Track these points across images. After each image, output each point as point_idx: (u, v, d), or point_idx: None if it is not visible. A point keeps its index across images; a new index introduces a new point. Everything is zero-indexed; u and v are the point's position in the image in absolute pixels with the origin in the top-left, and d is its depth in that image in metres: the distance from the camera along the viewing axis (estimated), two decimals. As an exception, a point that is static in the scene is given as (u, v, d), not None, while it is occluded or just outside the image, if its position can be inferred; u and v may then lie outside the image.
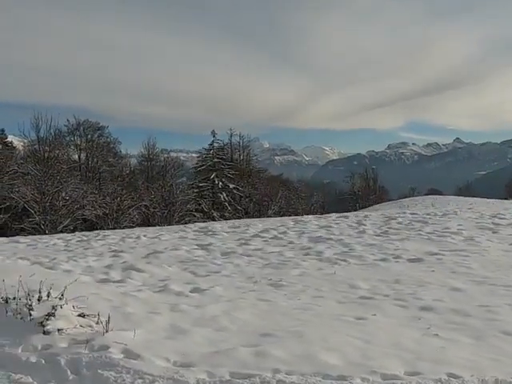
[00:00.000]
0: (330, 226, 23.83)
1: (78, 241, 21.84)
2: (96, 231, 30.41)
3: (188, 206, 56.90)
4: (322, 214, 60.50)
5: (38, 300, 7.47)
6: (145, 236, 22.83)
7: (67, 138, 57.44)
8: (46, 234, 43.29)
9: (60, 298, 7.43)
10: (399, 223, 24.12)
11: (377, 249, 16.80)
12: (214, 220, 57.50)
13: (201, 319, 8.13)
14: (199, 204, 59.05)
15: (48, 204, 45.07)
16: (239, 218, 59.11)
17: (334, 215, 33.15)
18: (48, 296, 7.57)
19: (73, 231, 47.39)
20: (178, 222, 54.60)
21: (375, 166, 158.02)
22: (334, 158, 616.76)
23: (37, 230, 45.00)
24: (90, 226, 51.19)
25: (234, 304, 9.28)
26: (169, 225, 52.52)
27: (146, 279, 12.19)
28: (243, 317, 8.35)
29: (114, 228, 48.42)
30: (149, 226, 51.47)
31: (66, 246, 20.17)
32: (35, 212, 45.01)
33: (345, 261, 14.58)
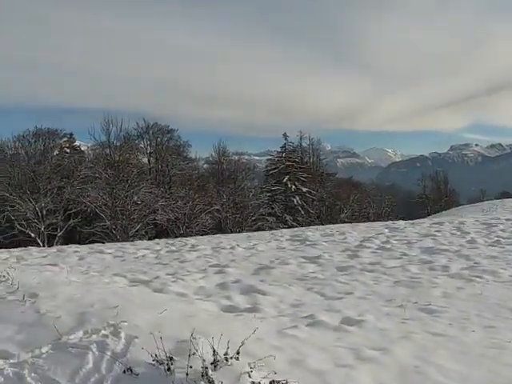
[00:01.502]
0: (434, 235, 21.92)
1: (168, 251, 20.05)
2: (178, 239, 28.68)
3: (261, 210, 55.18)
4: (393, 218, 58.74)
5: (214, 365, 5.13)
6: (238, 245, 20.96)
7: (136, 142, 56.04)
8: (117, 238, 42.29)
9: (236, 358, 5.21)
10: (503, 230, 22.40)
11: (503, 262, 14.86)
12: (286, 224, 55.90)
13: (404, 371, 6.01)
14: (272, 208, 57.17)
15: (119, 208, 43.80)
16: (311, 222, 57.36)
17: (426, 221, 31.36)
18: (226, 358, 5.24)
19: (144, 236, 46.47)
20: (250, 227, 53.13)
21: (438, 167, 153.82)
22: (397, 160, 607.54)
23: (107, 235, 44.13)
24: (160, 231, 50.01)
25: (409, 342, 7.35)
26: (241, 230, 51.14)
27: (278, 305, 10.10)
28: (445, 364, 6.37)
29: (186, 233, 47.21)
30: (221, 230, 50.26)
31: (156, 257, 18.37)
32: (106, 216, 43.82)
33: (480, 277, 12.62)
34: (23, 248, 26.19)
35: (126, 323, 6.50)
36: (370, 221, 56.46)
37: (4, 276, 9.64)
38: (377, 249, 18.52)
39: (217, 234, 47.65)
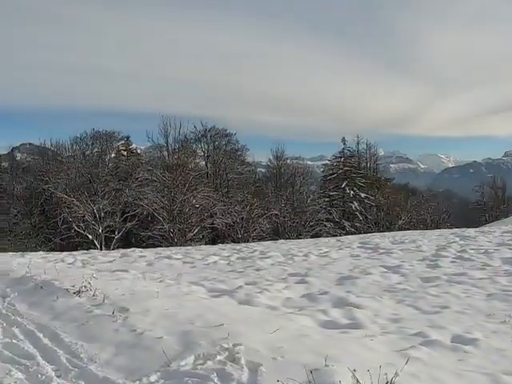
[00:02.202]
0: (509, 244, 20.83)
1: (239, 258, 19.27)
2: (243, 244, 27.96)
3: (319, 215, 54.22)
4: (451, 225, 57.27)
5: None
6: (310, 253, 20.06)
7: (194, 145, 55.52)
8: (175, 242, 41.82)
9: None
10: None
11: None
12: (344, 230, 54.97)
13: None
14: (330, 213, 56.15)
15: (176, 212, 43.28)
16: (369, 228, 56.29)
17: (495, 230, 30.38)
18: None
19: (201, 240, 45.96)
20: (308, 232, 52.33)
21: (491, 173, 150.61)
22: (450, 165, 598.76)
23: (165, 238, 43.52)
24: (216, 234, 49.46)
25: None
26: (299, 235, 50.42)
27: (376, 320, 9.20)
28: None
29: (244, 238, 46.59)
30: (278, 235, 49.55)
31: (228, 264, 17.54)
32: (164, 220, 43.30)
33: None
34: (85, 251, 25.72)
35: (241, 346, 5.66)
36: (427, 228, 55.25)
37: (85, 286, 8.90)
38: (455, 258, 17.67)
39: (275, 239, 47.08)
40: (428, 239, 25.08)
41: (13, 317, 7.96)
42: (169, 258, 19.49)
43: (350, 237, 33.84)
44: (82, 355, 5.84)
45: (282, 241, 31.10)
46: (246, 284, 12.57)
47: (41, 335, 6.81)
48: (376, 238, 27.02)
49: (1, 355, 6.10)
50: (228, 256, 19.83)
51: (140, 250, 25.41)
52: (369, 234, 35.69)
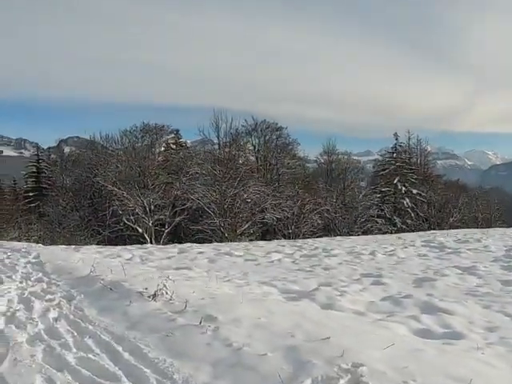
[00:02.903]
0: None
1: (303, 256, 18.31)
2: (301, 240, 27.02)
3: (370, 211, 53.08)
4: (503, 224, 55.78)
5: None
6: (376, 251, 19.28)
7: (244, 139, 54.61)
8: (225, 237, 41.17)
9: None
10: None
11: None
12: (395, 227, 53.82)
13: None
14: (381, 210, 54.94)
15: (227, 206, 42.52)
16: (419, 225, 55.09)
17: None
18: None
19: (252, 235, 45.17)
20: (359, 229, 51.34)
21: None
22: (498, 162, 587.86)
23: (215, 233, 42.89)
24: (266, 229, 48.62)
25: None
26: (350, 231, 49.49)
27: (473, 328, 8.15)
28: None
29: (295, 233, 45.83)
30: (329, 231, 48.70)
31: (294, 262, 16.60)
32: (214, 214, 42.56)
33: None
34: (140, 246, 25.10)
35: (364, 368, 4.70)
36: (479, 226, 53.88)
37: (160, 289, 7.98)
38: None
39: (325, 235, 46.40)
40: (492, 238, 24.39)
41: (83, 324, 7.06)
42: (229, 254, 18.63)
43: (408, 234, 32.87)
44: (174, 376, 4.88)
45: (340, 238, 30.03)
46: (321, 285, 11.63)
47: (120, 348, 5.84)
48: (438, 237, 25.97)
49: (77, 374, 5.14)
50: (291, 253, 18.86)
51: (197, 245, 24.68)
52: (428, 232, 34.56)
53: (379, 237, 30.08)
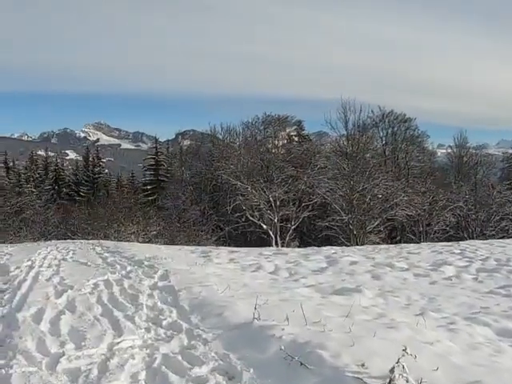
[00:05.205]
0: None
1: (481, 270, 15.09)
2: (455, 243, 24.17)
3: (505, 208, 49.39)
4: None
5: None
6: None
7: (371, 131, 52.01)
8: (353, 234, 39.22)
9: None
10: None
11: None
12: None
13: None
14: (518, 207, 51.18)
15: (356, 202, 40.19)
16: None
17: None
18: None
19: (381, 233, 42.80)
20: (493, 228, 47.89)
21: None
22: None
23: (343, 230, 40.95)
24: (393, 227, 46.19)
25: None
26: (483, 230, 46.30)
27: None
28: None
29: (426, 232, 43.24)
30: (461, 230, 45.90)
31: (476, 280, 13.66)
32: (343, 210, 40.32)
33: None
34: (275, 249, 23.13)
35: None
36: None
37: (397, 374, 5.22)
38: None
39: (456, 234, 43.63)
40: None
41: None
42: (390, 266, 15.77)
43: None
44: None
45: (508, 241, 26.22)
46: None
47: None
48: None
49: None
50: (465, 266, 15.72)
51: (340, 248, 22.30)
52: None
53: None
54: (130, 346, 6.50)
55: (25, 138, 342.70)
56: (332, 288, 11.59)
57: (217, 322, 7.52)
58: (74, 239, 33.49)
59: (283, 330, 6.60)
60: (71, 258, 15.81)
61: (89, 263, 14.11)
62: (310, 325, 6.83)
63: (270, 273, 14.37)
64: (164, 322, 7.69)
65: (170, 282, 10.72)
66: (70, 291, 9.68)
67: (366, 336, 6.02)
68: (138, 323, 7.61)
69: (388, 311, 8.89)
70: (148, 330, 7.32)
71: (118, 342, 6.61)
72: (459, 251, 19.90)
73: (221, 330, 7.09)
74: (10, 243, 29.27)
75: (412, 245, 25.29)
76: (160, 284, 10.63)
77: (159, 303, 8.91)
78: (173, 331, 7.24)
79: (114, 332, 7.08)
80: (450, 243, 25.69)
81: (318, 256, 18.57)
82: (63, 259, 15.35)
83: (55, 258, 15.53)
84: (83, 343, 6.51)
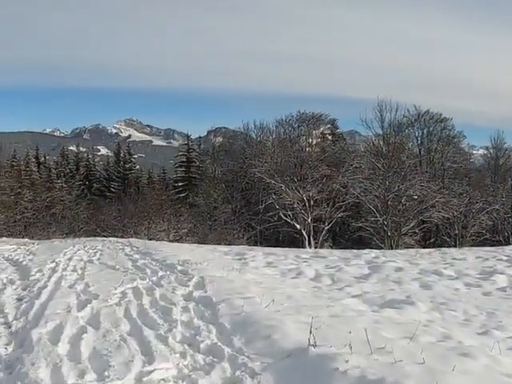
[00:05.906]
0: None
1: None
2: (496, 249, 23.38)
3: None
4: None
5: None
6: None
7: (406, 131, 51.20)
8: (388, 236, 38.38)
9: None
10: None
11: None
12: None
13: None
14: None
15: (390, 203, 39.47)
16: None
17: None
18: None
19: (416, 235, 42.07)
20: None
21: None
22: None
23: (377, 232, 40.34)
24: (427, 229, 45.42)
25: None
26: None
27: None
28: None
29: (462, 235, 42.43)
30: (497, 233, 45.12)
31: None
32: (377, 211, 39.65)
33: None
34: (313, 252, 22.42)
35: None
36: None
37: None
38: None
39: (492, 238, 42.93)
40: None
41: None
42: (438, 274, 15.00)
43: None
44: None
45: None
46: None
47: None
48: None
49: None
50: None
51: (380, 252, 21.57)
52: None
53: None
54: (163, 379, 5.39)
55: (57, 133, 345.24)
56: (381, 299, 10.86)
57: (264, 346, 6.38)
58: (103, 236, 33.34)
59: (347, 361, 5.27)
60: (98, 259, 15.44)
61: (117, 266, 13.47)
62: (375, 352, 5.63)
63: (312, 279, 13.63)
64: (202, 345, 6.52)
65: (206, 291, 9.59)
66: (94, 302, 8.74)
67: (443, 369, 5.20)
68: (172, 345, 6.48)
69: (449, 329, 8.19)
70: (183, 355, 6.14)
71: (149, 372, 5.49)
72: (506, 258, 19.08)
73: (270, 359, 5.87)
74: (39, 239, 29.16)
75: (453, 250, 24.62)
76: (196, 294, 9.51)
77: (196, 319, 7.84)
78: (213, 357, 6.07)
79: (144, 357, 5.93)
80: (493, 248, 24.91)
81: (358, 261, 17.90)
82: (89, 261, 14.95)
83: (81, 260, 15.15)
84: (106, 373, 5.40)
